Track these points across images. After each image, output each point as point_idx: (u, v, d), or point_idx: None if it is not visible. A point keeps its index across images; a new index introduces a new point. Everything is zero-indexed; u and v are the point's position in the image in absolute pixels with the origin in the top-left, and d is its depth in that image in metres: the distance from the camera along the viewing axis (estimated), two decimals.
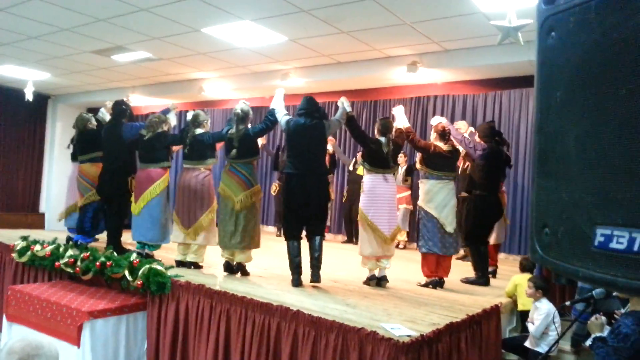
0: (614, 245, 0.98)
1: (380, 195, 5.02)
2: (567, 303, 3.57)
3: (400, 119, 5.42)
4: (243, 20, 6.23)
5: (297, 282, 4.75)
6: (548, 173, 1.16)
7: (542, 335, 4.28)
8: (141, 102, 10.91)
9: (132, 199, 5.74)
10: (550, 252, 1.14)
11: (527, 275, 4.86)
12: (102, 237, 6.42)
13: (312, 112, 4.92)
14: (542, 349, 4.20)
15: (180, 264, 5.36)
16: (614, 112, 1.00)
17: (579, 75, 1.09)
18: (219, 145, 6.12)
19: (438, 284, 5.22)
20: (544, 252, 1.16)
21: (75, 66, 9.21)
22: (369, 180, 5.09)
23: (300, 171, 4.79)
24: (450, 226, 5.19)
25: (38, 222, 12.15)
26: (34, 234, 6.66)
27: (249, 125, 5.33)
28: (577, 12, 1.09)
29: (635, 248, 0.95)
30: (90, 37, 7.30)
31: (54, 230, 9.03)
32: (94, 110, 12.49)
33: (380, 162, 5.07)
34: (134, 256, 5.04)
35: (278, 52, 7.56)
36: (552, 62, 1.17)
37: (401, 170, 8.43)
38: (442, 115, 8.82)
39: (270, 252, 6.45)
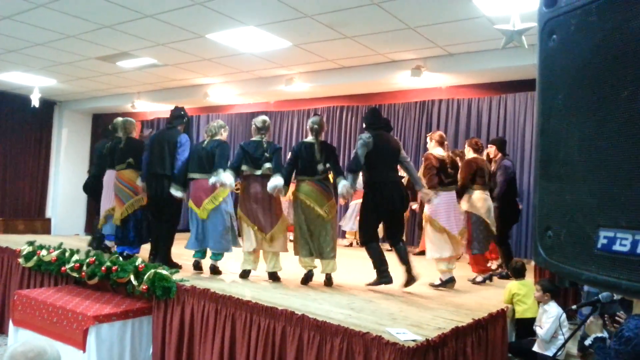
0: (617, 247, 0.98)
1: (445, 201, 5.43)
2: (573, 307, 3.55)
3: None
4: (247, 26, 6.26)
5: (389, 279, 4.98)
6: (551, 175, 1.16)
7: (552, 339, 4.26)
8: (146, 107, 10.96)
9: (193, 206, 5.41)
10: (554, 255, 1.14)
11: (522, 281, 4.85)
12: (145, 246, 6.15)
13: (384, 124, 5.26)
14: (552, 352, 4.18)
15: (247, 273, 5.24)
16: (615, 114, 1.00)
17: (581, 77, 1.09)
18: None
19: (491, 277, 5.90)
20: (547, 255, 1.15)
21: (81, 72, 9.26)
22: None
23: (392, 178, 5.08)
24: (493, 228, 5.83)
25: (44, 227, 12.22)
26: (40, 239, 6.68)
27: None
28: (578, 15, 1.09)
29: (639, 250, 0.94)
30: (96, 44, 7.34)
31: (60, 235, 9.09)
32: (101, 117, 12.60)
33: (444, 179, 5.48)
34: (139, 261, 5.05)
35: (282, 58, 7.58)
36: (554, 64, 1.17)
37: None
38: (446, 119, 8.86)
39: None
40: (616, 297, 2.99)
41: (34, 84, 10.02)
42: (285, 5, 5.54)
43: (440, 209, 5.41)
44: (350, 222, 8.95)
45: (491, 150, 6.40)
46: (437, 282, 5.39)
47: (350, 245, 9.21)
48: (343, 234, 9.53)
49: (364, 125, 5.35)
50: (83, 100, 12.12)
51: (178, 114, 5.92)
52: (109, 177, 6.43)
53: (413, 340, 3.28)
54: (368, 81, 7.96)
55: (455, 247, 5.43)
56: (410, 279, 4.98)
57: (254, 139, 5.37)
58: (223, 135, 5.62)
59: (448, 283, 5.36)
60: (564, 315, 4.25)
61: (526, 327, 4.67)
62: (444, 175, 5.47)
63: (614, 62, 1.01)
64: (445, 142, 5.60)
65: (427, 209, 5.51)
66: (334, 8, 5.57)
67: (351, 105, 9.74)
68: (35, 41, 7.39)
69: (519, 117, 8.14)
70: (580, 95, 1.09)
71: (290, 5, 5.54)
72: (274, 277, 5.22)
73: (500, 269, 6.45)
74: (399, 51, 7.04)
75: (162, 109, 10.50)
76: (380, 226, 5.44)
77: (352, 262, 6.43)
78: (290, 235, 5.66)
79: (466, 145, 6.16)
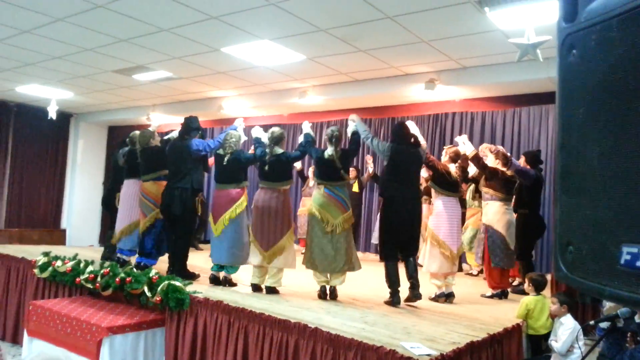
0: None
1: (448, 216, 5.35)
2: (591, 322, 3.50)
3: (467, 146, 5.75)
4: (262, 39, 6.31)
5: (397, 302, 4.91)
6: (571, 190, 1.16)
7: (567, 353, 4.19)
8: (161, 120, 11.06)
9: (211, 219, 5.46)
10: (575, 271, 1.13)
11: (537, 297, 4.77)
12: (162, 258, 6.07)
13: (409, 138, 5.19)
14: None
15: (256, 288, 5.20)
16: (636, 129, 1.00)
17: (601, 92, 1.08)
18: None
19: (503, 294, 5.73)
20: (569, 271, 1.14)
21: (98, 85, 9.40)
22: (438, 202, 5.43)
23: (405, 195, 5.01)
24: (512, 243, 5.74)
25: (59, 238, 12.34)
26: (55, 249, 6.74)
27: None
28: (599, 30, 1.09)
29: None
30: (113, 57, 7.45)
31: (75, 246, 9.16)
32: (116, 129, 12.75)
33: (449, 186, 5.41)
34: (153, 272, 5.07)
35: (296, 71, 7.64)
36: (574, 79, 1.17)
37: None
38: (460, 132, 8.82)
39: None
40: (639, 319, 2.98)
41: (51, 97, 10.18)
42: (300, 19, 5.59)
43: (443, 221, 5.33)
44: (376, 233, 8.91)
45: (520, 161, 6.29)
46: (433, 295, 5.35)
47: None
48: (376, 248, 9.44)
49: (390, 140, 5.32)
50: (99, 112, 12.28)
51: (194, 126, 5.89)
52: (129, 188, 6.37)
53: (427, 355, 3.25)
54: (381, 94, 7.98)
55: (452, 263, 5.31)
56: (413, 296, 4.90)
57: (274, 152, 5.32)
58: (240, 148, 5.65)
59: (443, 297, 5.28)
60: (581, 330, 4.19)
61: (540, 343, 4.60)
62: (445, 183, 5.39)
63: (634, 77, 1.01)
64: (459, 162, 5.51)
65: (430, 221, 5.46)
66: (348, 22, 5.61)
67: (364, 118, 9.68)
68: (53, 54, 7.52)
69: (533, 131, 8.09)
70: (600, 110, 1.09)
71: (305, 19, 5.59)
72: (271, 291, 5.15)
73: (520, 285, 6.34)
74: (412, 64, 7.06)
75: (176, 122, 10.56)
76: None
77: (366, 276, 6.39)
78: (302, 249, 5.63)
79: (493, 157, 6.04)
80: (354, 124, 5.32)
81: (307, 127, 5.57)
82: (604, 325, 3.16)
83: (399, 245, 5.02)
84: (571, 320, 4.23)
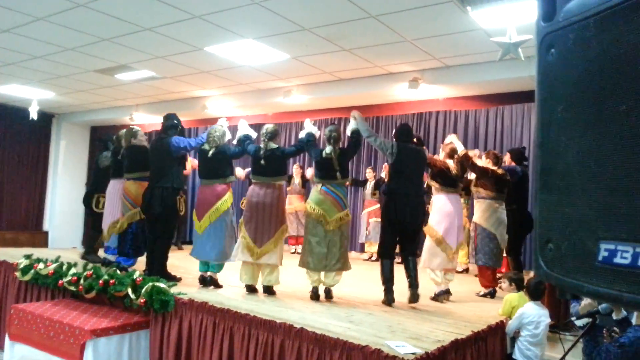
0: (618, 260, 0.98)
1: (449, 213, 5.37)
2: (573, 319, 3.55)
3: (458, 145, 5.78)
4: (245, 38, 6.29)
5: (391, 300, 4.91)
6: (551, 188, 1.17)
7: (512, 339, 4.28)
8: (145, 120, 10.98)
9: (195, 216, 5.39)
10: (555, 268, 1.14)
11: (521, 294, 4.81)
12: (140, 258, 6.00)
13: (413, 138, 5.27)
14: (515, 355, 4.22)
15: (251, 289, 5.12)
16: (614, 127, 1.01)
17: (579, 91, 1.10)
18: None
19: (493, 293, 5.77)
20: (548, 268, 1.15)
21: (80, 85, 9.29)
22: (439, 198, 5.46)
23: (409, 192, 5.03)
24: (503, 243, 5.78)
25: (42, 240, 12.18)
26: (37, 252, 6.64)
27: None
28: (576, 30, 1.10)
29: None
30: (95, 57, 7.37)
31: (58, 248, 9.04)
32: (99, 129, 12.61)
33: (450, 182, 5.46)
34: (136, 274, 5.02)
35: (280, 70, 7.62)
36: (553, 78, 1.18)
37: (369, 184, 8.84)
38: (444, 130, 8.90)
39: None
40: (615, 317, 3.02)
41: (33, 97, 10.05)
42: (284, 19, 5.57)
43: (444, 217, 5.36)
44: (364, 233, 8.96)
45: (505, 158, 6.37)
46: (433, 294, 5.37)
47: (369, 258, 8.98)
48: (362, 247, 9.48)
49: (394, 139, 5.29)
50: (81, 112, 12.14)
51: (171, 124, 5.80)
52: (113, 188, 6.42)
53: (412, 353, 3.26)
54: (365, 93, 7.99)
55: (452, 260, 5.36)
56: (413, 295, 4.91)
57: (269, 146, 5.25)
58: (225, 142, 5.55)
59: (443, 294, 5.33)
60: (533, 319, 4.24)
61: None
62: (446, 179, 5.44)
63: (611, 76, 1.02)
64: (456, 156, 5.53)
65: (431, 217, 5.48)
66: (331, 21, 5.61)
67: (349, 117, 9.74)
68: (33, 54, 7.42)
69: (516, 128, 8.18)
70: (578, 109, 1.10)
71: (289, 19, 5.58)
72: (268, 291, 5.10)
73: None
74: (396, 63, 7.08)
75: (160, 121, 10.49)
76: None
77: (351, 275, 6.40)
78: (296, 248, 5.58)
79: (484, 157, 6.14)
80: (354, 121, 5.28)
81: (309, 125, 5.50)
82: (579, 322, 3.22)
83: (400, 242, 5.06)
84: (527, 308, 4.28)
